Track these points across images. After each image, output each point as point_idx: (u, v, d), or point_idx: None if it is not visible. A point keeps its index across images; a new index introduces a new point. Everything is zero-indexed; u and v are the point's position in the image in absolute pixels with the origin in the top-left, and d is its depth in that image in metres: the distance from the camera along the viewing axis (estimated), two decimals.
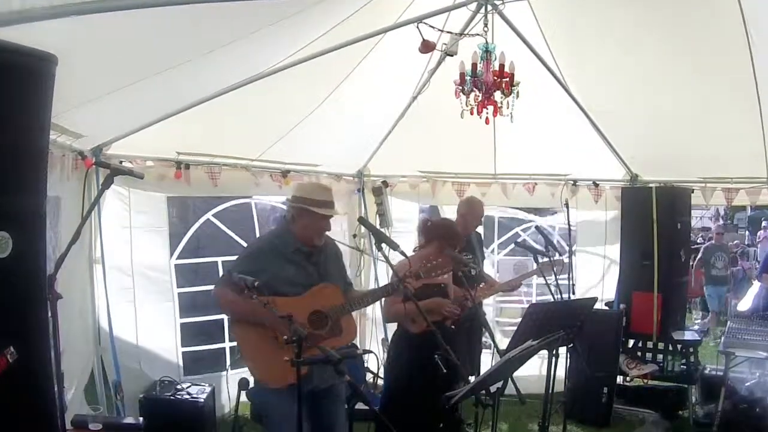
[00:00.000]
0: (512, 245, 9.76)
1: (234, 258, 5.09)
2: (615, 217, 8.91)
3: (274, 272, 4.60)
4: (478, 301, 6.91)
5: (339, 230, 8.86)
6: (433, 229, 6.01)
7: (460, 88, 5.47)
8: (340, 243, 5.33)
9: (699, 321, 11.54)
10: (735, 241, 21.60)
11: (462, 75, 5.46)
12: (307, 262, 4.85)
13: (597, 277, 9.23)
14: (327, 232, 4.99)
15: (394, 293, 5.13)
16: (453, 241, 5.92)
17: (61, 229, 5.49)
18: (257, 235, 8.13)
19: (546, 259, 6.87)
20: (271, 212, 9.68)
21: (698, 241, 20.37)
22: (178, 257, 7.75)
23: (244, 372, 4.97)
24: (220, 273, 6.90)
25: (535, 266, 7.17)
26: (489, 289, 7.41)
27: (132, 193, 6.97)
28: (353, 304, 4.99)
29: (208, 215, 8.22)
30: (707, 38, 5.81)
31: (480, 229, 8.34)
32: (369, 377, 8.20)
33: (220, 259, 7.74)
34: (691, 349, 8.05)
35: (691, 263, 10.05)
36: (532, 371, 8.11)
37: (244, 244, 6.63)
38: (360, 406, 4.00)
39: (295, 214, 4.84)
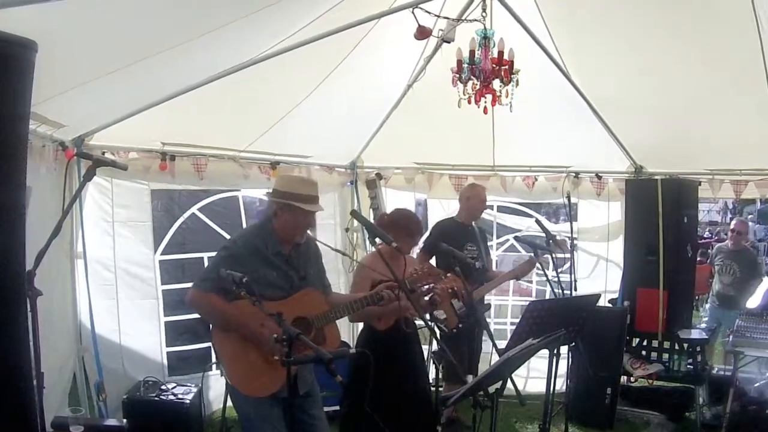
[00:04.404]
0: (511, 241, 9.76)
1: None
2: (618, 210, 8.94)
3: (254, 274, 4.46)
4: (477, 298, 6.95)
5: (331, 224, 8.89)
6: (391, 223, 5.87)
7: (458, 76, 5.49)
8: (321, 243, 5.27)
9: (706, 319, 11.36)
10: None
11: (459, 62, 5.48)
12: (287, 265, 4.79)
13: (600, 273, 9.26)
14: (309, 229, 4.95)
15: (380, 302, 5.03)
16: (412, 232, 5.86)
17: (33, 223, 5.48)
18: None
19: (547, 255, 6.91)
20: (260, 206, 9.66)
21: (705, 235, 20.40)
22: (163, 253, 7.73)
23: None
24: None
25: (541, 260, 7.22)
26: (487, 287, 7.43)
27: (115, 185, 6.96)
28: (338, 312, 4.91)
29: (194, 209, 8.20)
30: (715, 25, 5.83)
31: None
32: None
33: (205, 255, 7.73)
34: (698, 349, 8.06)
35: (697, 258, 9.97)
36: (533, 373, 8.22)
37: None
38: None
39: (277, 210, 4.74)
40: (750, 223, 22.57)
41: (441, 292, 5.33)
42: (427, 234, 7.18)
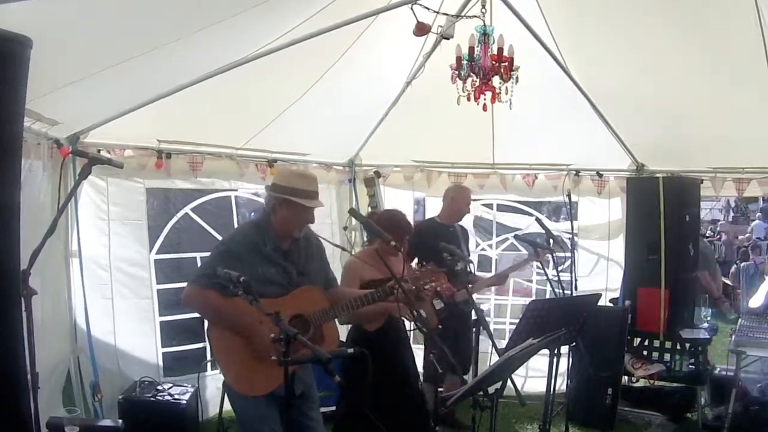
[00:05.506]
0: (510, 240, 9.76)
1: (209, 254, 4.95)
2: (619, 208, 8.95)
3: (251, 271, 4.43)
4: (463, 298, 6.95)
5: (328, 222, 8.89)
6: (378, 223, 5.65)
7: (457, 73, 5.49)
8: (325, 240, 5.26)
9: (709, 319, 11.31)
10: (746, 235, 21.68)
11: (458, 59, 5.48)
12: (286, 261, 4.76)
13: (600, 271, 9.26)
14: (310, 225, 4.89)
15: (384, 299, 5.03)
16: (399, 233, 5.71)
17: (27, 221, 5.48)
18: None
19: (547, 254, 6.91)
20: (254, 205, 9.63)
21: (707, 234, 20.43)
22: (158, 252, 7.75)
23: None
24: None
25: (535, 260, 7.23)
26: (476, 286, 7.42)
27: (110, 183, 6.98)
28: (338, 309, 4.88)
29: (187, 209, 8.20)
30: (717, 22, 5.83)
31: (468, 224, 8.43)
32: None
33: (198, 255, 7.73)
34: (700, 348, 8.05)
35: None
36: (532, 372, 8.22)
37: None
38: None
39: (276, 205, 4.71)
40: (757, 221, 22.67)
41: (431, 291, 5.32)
42: None
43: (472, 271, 7.33)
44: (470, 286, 6.98)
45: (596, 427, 7.81)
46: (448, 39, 5.59)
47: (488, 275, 8.37)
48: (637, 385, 8.61)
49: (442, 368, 4.86)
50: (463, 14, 5.72)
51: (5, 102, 3.06)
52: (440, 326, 5.80)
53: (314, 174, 4.98)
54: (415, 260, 6.62)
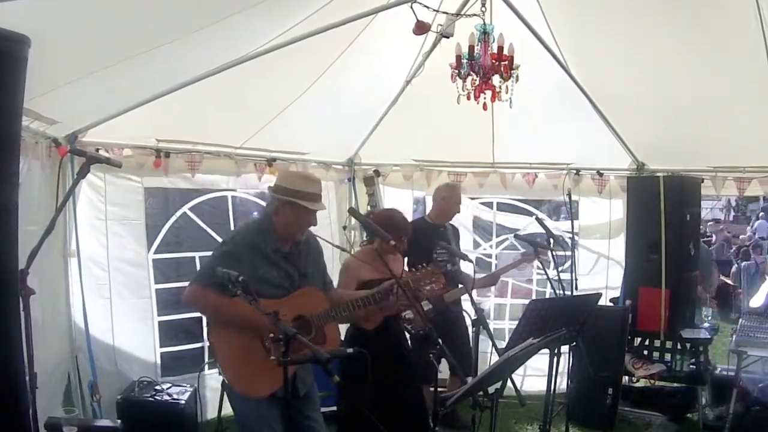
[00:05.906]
0: (509, 239, 9.75)
1: (209, 254, 4.96)
2: (620, 208, 8.95)
3: (253, 272, 4.44)
4: (453, 299, 6.96)
5: (327, 222, 8.87)
6: (375, 223, 5.63)
7: (457, 71, 5.49)
8: (323, 240, 5.25)
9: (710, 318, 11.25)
10: (748, 234, 21.68)
11: (458, 58, 5.48)
12: (287, 263, 4.76)
13: (600, 270, 9.26)
14: (311, 228, 4.90)
15: (382, 301, 5.02)
16: (396, 232, 5.64)
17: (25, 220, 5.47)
18: (232, 229, 7.95)
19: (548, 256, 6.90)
20: (250, 205, 9.61)
21: (707, 233, 20.42)
22: (156, 251, 7.74)
23: None
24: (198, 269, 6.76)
25: (535, 261, 7.22)
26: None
27: (108, 183, 6.97)
28: (339, 310, 4.86)
29: (185, 208, 8.18)
30: (717, 20, 5.82)
31: (468, 223, 8.41)
32: None
33: (197, 255, 7.73)
34: (701, 348, 8.06)
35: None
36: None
37: (219, 239, 6.57)
38: None
39: (278, 206, 4.70)
40: (761, 221, 22.70)
41: (430, 292, 5.31)
42: None
43: (462, 270, 7.31)
44: (460, 286, 7.00)
45: (596, 428, 7.82)
46: (447, 38, 5.59)
47: (480, 275, 8.35)
48: (637, 385, 8.62)
49: (435, 369, 4.88)
50: (462, 13, 5.71)
51: (3, 101, 3.05)
52: (429, 327, 5.82)
53: (317, 176, 4.97)
54: (405, 260, 6.63)
